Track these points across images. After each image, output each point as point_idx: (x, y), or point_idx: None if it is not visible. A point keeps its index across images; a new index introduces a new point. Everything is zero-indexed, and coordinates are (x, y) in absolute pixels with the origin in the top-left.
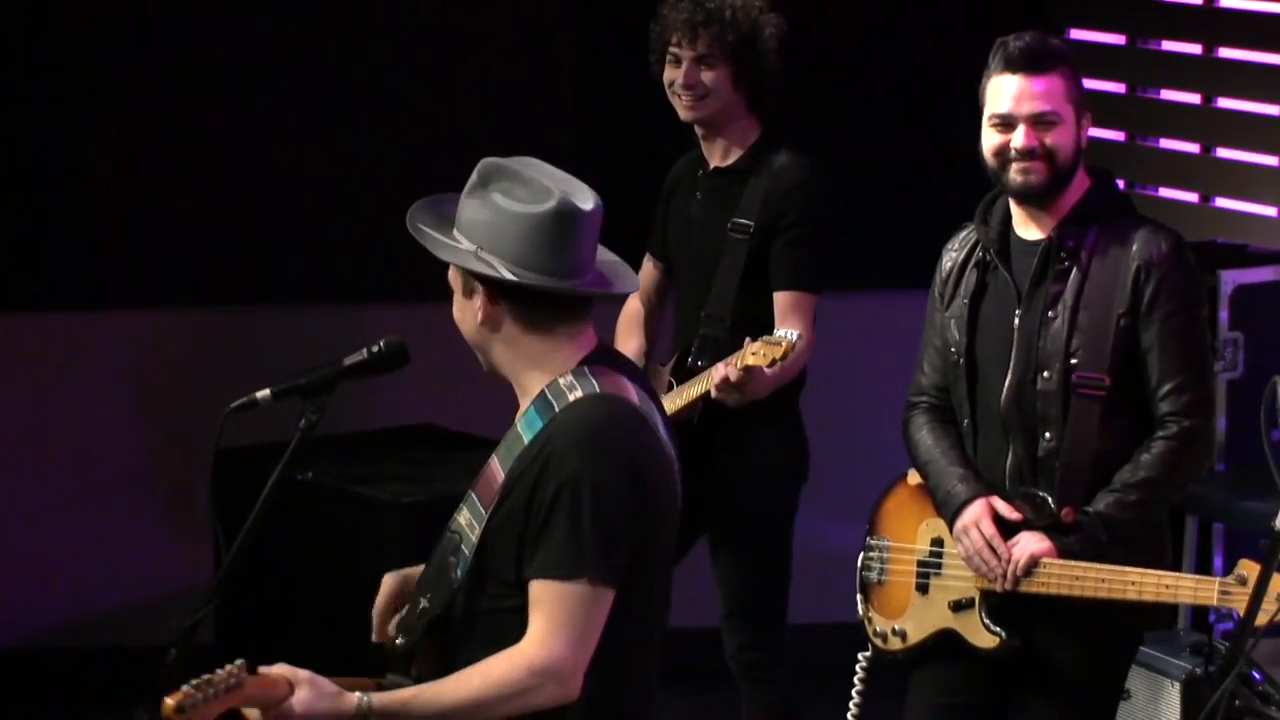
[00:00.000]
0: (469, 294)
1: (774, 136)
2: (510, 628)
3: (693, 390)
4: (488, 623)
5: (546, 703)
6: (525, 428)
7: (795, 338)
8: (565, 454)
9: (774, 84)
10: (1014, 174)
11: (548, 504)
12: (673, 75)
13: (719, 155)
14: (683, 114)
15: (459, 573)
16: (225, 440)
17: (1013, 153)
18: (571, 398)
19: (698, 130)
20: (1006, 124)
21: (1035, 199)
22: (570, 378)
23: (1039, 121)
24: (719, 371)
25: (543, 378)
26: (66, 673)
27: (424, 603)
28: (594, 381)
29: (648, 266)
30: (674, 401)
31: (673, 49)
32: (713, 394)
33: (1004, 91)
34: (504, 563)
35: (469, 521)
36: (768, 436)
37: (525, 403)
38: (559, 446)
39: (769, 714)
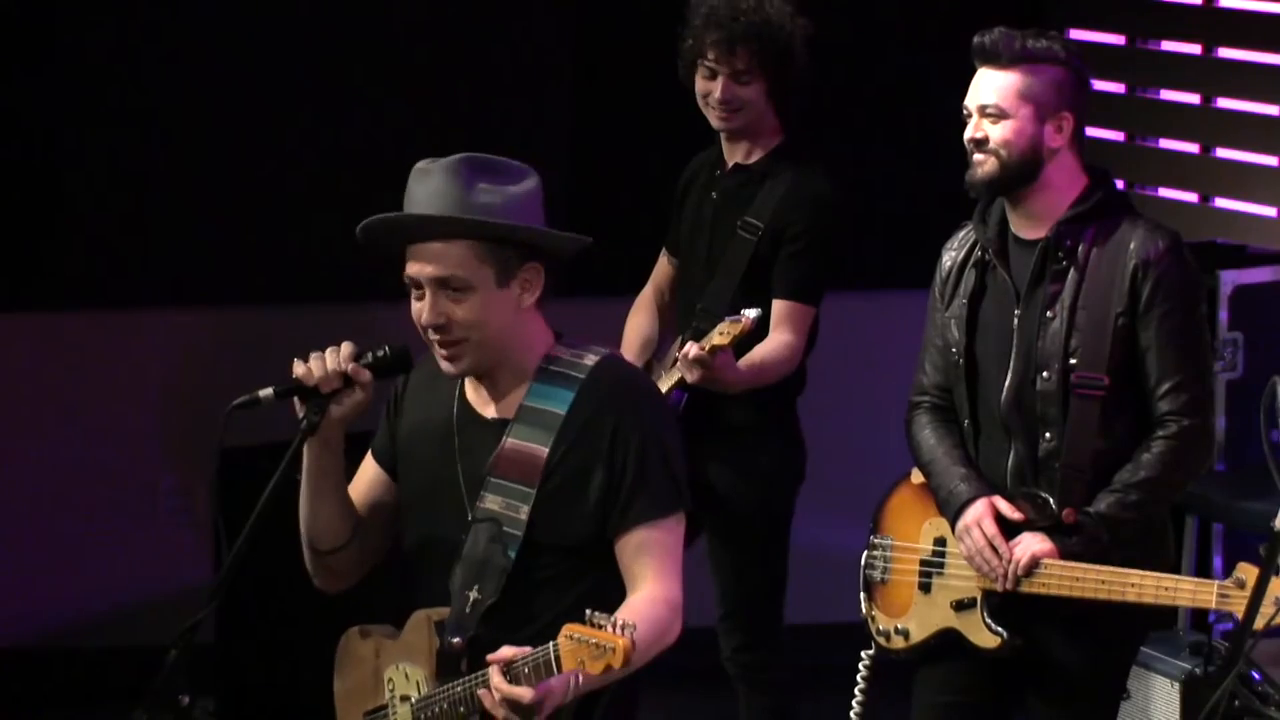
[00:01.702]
0: (504, 282)
1: (797, 142)
2: (562, 592)
3: (668, 380)
4: (542, 595)
5: (671, 640)
6: (547, 401)
7: (755, 314)
8: (636, 408)
9: (802, 90)
10: (971, 166)
11: (635, 456)
12: (707, 88)
13: (740, 155)
14: (715, 125)
15: (511, 554)
16: (227, 441)
17: (968, 144)
18: (587, 362)
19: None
20: (967, 114)
21: (985, 192)
22: (563, 347)
23: (984, 113)
24: (685, 347)
25: (536, 353)
26: (66, 673)
27: (474, 595)
28: (594, 346)
29: (663, 262)
30: None
31: (707, 63)
32: (678, 366)
33: (971, 82)
34: (567, 528)
35: (505, 504)
36: (766, 438)
37: (518, 382)
38: (627, 403)
39: (766, 715)
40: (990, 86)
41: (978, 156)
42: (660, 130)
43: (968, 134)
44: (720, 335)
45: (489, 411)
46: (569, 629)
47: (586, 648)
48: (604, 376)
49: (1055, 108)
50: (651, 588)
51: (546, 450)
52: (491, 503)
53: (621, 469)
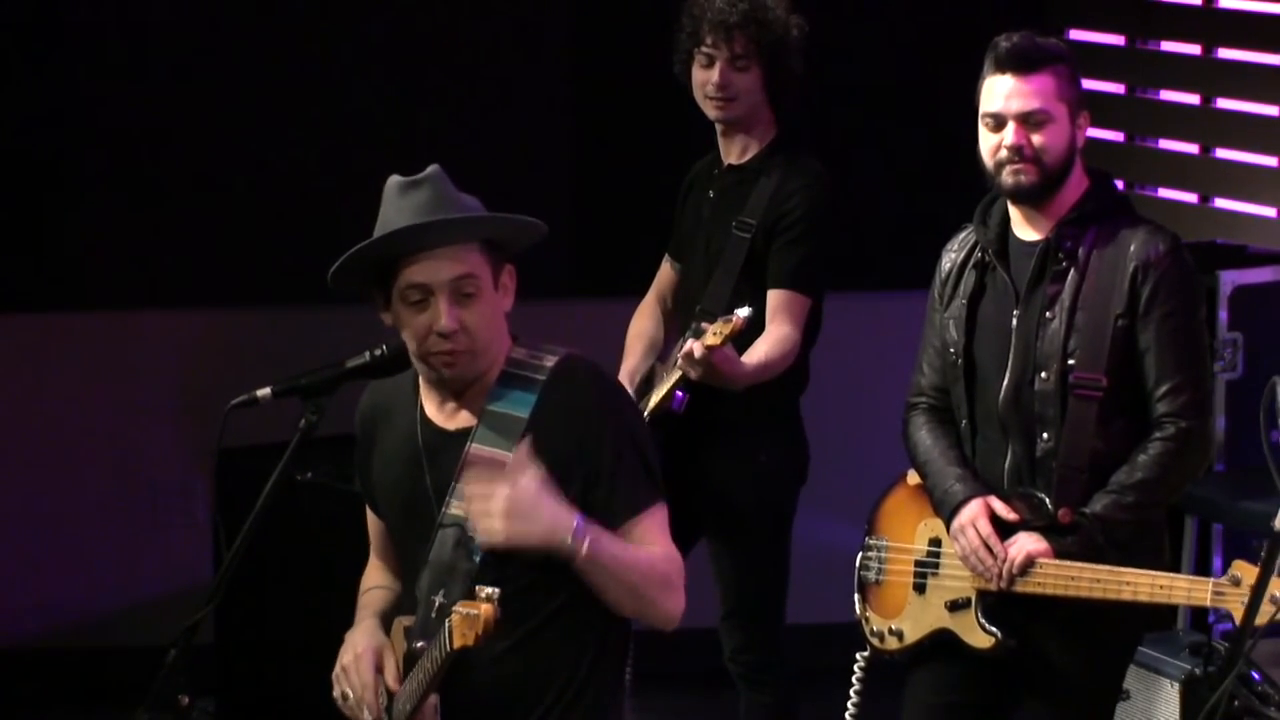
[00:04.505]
0: (495, 285)
1: (789, 138)
2: (536, 607)
3: (670, 378)
4: (514, 607)
5: (675, 607)
6: (508, 405)
7: (746, 314)
8: (604, 407)
9: (796, 85)
10: (1005, 176)
11: (611, 457)
12: (704, 77)
13: (735, 154)
14: (711, 114)
15: (475, 558)
16: (226, 441)
17: (1004, 152)
18: (547, 363)
19: (718, 127)
20: (997, 123)
21: (1028, 200)
22: (521, 349)
23: (1028, 120)
24: (686, 345)
25: (500, 355)
26: (67, 673)
27: (439, 600)
28: (552, 346)
29: (665, 268)
30: (657, 393)
31: (706, 49)
32: (679, 365)
33: (995, 91)
34: None
35: None
36: (768, 438)
37: (482, 389)
38: (593, 403)
39: (767, 714)
40: (1030, 91)
41: (1016, 165)
42: (662, 131)
43: (1008, 141)
44: (713, 335)
45: (453, 424)
46: (458, 605)
47: (465, 619)
48: (565, 377)
49: (1079, 105)
50: (667, 552)
51: (511, 455)
52: (457, 508)
53: (597, 471)
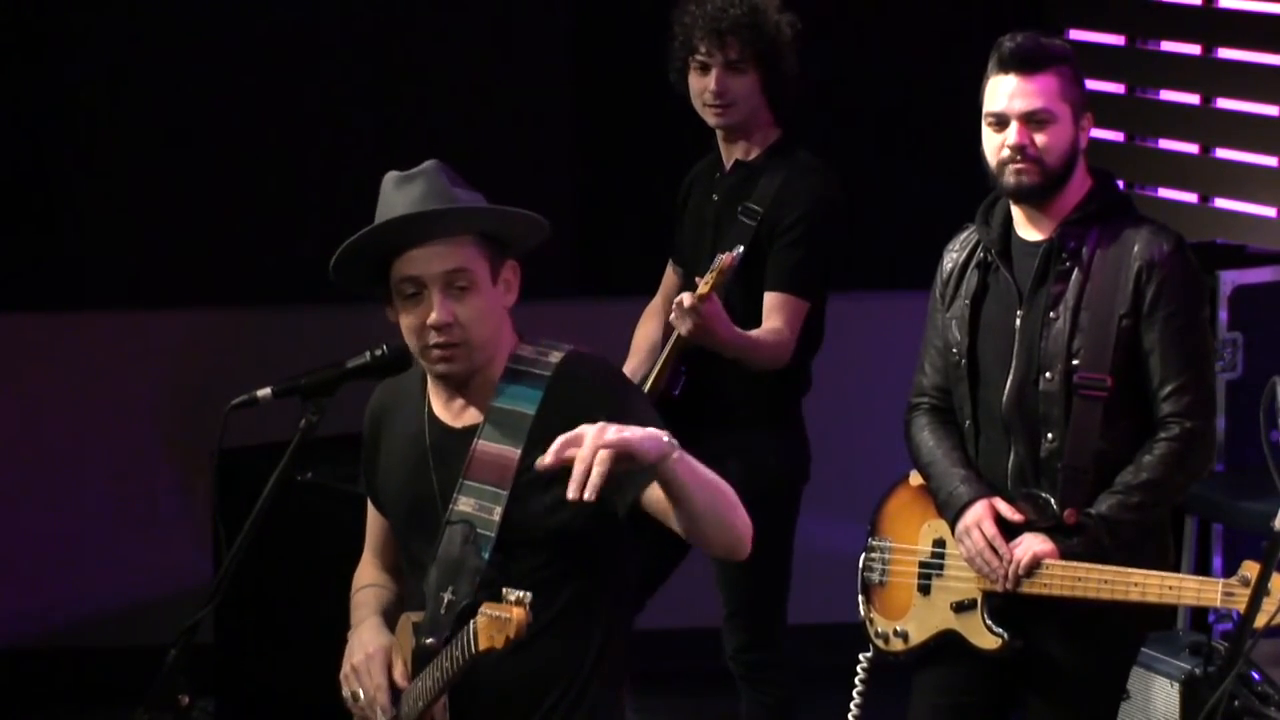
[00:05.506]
0: (494, 280)
1: (793, 139)
2: (542, 605)
3: (665, 353)
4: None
5: (746, 526)
6: (515, 401)
7: (739, 251)
8: (617, 397)
9: (794, 85)
10: (1007, 175)
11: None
12: (701, 84)
13: (740, 154)
14: (711, 121)
15: (484, 555)
16: (226, 441)
17: (1006, 152)
18: (552, 359)
19: (719, 132)
20: (1000, 122)
21: (1029, 200)
22: (527, 345)
23: (1031, 119)
24: (680, 297)
25: (505, 352)
26: (66, 673)
27: (448, 597)
28: (557, 342)
29: (669, 273)
30: (654, 371)
31: (700, 57)
32: (671, 318)
33: (998, 91)
34: (543, 528)
35: (479, 506)
36: (769, 438)
37: (489, 386)
38: (606, 396)
39: (768, 714)
40: (1033, 91)
41: (1019, 164)
42: (663, 132)
43: (1011, 141)
44: (705, 284)
45: (460, 421)
46: (485, 606)
47: (494, 621)
48: (570, 373)
49: (1083, 106)
50: None
51: (519, 452)
52: (465, 505)
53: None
